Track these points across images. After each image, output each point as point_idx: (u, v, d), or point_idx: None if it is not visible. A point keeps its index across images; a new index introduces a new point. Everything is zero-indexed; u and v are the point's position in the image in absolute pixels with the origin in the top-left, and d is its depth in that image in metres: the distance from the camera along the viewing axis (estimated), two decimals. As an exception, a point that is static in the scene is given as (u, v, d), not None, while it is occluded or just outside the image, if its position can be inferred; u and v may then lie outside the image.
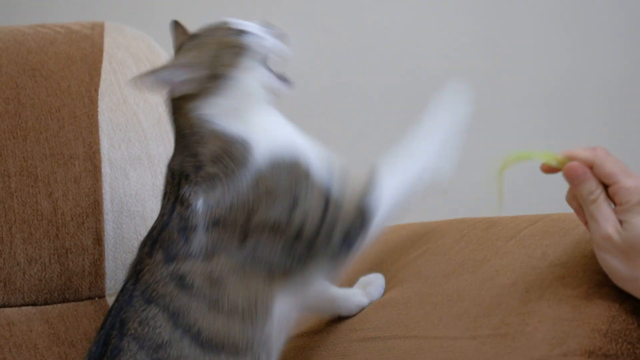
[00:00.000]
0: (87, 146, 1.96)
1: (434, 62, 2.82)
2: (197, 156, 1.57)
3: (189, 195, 1.55)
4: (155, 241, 1.56)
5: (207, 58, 1.60)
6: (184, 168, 1.58)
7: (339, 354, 1.67)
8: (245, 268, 1.52)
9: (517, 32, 2.78)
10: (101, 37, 2.09)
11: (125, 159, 1.99)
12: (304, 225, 1.54)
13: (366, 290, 1.77)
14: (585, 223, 1.38)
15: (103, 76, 2.02)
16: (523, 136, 2.80)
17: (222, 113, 1.59)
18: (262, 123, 1.60)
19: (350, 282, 1.81)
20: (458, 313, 1.56)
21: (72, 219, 1.93)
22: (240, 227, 1.53)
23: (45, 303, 1.91)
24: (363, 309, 1.75)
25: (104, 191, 1.96)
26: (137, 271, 1.56)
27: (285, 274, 1.55)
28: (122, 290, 1.56)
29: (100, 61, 2.04)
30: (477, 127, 2.80)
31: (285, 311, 1.57)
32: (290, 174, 1.55)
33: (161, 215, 1.58)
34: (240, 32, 1.63)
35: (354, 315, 1.75)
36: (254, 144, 1.56)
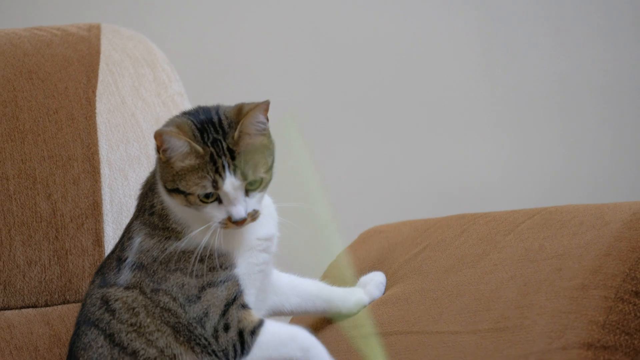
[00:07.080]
0: (85, 148, 1.96)
1: (430, 63, 2.83)
2: (153, 203, 1.64)
3: (135, 228, 1.64)
4: (102, 266, 1.67)
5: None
6: (144, 204, 1.65)
7: (342, 350, 1.67)
8: (155, 312, 1.58)
9: (510, 34, 2.79)
10: (98, 38, 2.09)
11: (124, 160, 1.99)
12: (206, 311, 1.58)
13: (367, 289, 1.78)
14: None
15: (100, 77, 2.02)
16: (519, 134, 2.81)
17: None
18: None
19: (352, 282, 1.82)
20: (458, 308, 1.56)
21: (71, 220, 1.93)
22: (156, 279, 1.59)
23: (46, 305, 1.91)
24: (364, 307, 1.75)
25: (103, 192, 1.96)
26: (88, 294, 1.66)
27: (189, 341, 1.58)
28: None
29: (97, 63, 2.04)
30: (475, 125, 2.81)
31: None
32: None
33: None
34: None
35: (355, 314, 1.75)
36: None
